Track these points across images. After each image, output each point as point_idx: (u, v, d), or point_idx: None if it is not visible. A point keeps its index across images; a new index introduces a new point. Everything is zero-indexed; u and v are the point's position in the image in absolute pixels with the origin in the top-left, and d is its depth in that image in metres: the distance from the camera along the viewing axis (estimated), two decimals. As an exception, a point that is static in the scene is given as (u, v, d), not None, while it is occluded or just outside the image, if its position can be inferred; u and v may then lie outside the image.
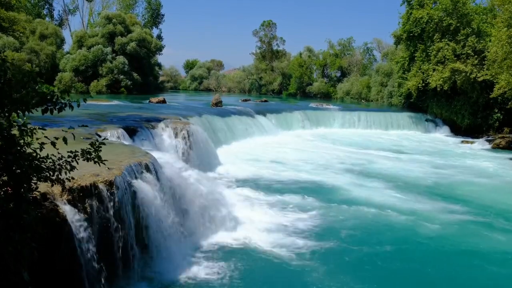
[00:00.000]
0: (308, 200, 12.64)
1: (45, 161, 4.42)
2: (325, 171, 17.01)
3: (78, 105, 4.39)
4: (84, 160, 4.83)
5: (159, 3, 67.46)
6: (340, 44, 67.68)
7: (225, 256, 8.59)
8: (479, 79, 27.76)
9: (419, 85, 31.62)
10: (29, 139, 4.23)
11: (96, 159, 4.84)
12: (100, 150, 4.88)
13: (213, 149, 17.23)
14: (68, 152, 4.73)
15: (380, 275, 8.26)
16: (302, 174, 16.20)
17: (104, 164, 4.97)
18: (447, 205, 12.79)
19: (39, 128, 4.39)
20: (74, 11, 65.54)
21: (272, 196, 12.86)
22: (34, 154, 4.29)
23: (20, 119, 4.16)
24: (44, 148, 4.40)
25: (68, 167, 4.66)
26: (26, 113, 4.20)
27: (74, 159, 4.73)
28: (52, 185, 4.70)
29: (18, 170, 4.11)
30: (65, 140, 4.41)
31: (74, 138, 4.73)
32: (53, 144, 4.38)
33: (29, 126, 4.20)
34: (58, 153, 4.63)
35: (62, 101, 4.28)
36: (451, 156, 22.34)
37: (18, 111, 4.14)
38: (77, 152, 4.77)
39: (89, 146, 4.85)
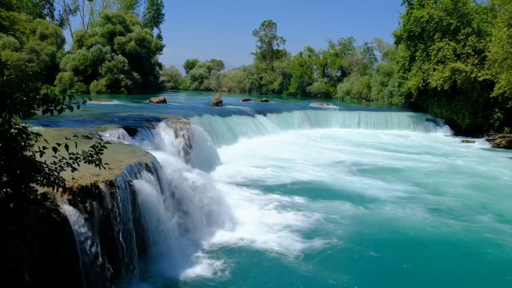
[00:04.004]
0: (309, 199, 12.62)
1: (45, 164, 4.43)
2: (326, 171, 16.99)
3: (78, 107, 4.40)
4: (85, 162, 4.85)
5: (161, 2, 67.46)
6: (340, 43, 67.65)
7: (225, 255, 8.60)
8: (480, 79, 27.75)
9: (420, 84, 31.62)
10: (30, 142, 4.23)
11: (97, 162, 4.86)
12: (102, 153, 4.89)
13: (213, 149, 17.24)
14: (69, 153, 4.74)
15: (376, 273, 8.30)
16: (303, 173, 16.20)
17: (105, 168, 4.99)
18: (445, 205, 12.80)
19: (38, 135, 4.39)
20: (75, 11, 65.59)
21: (273, 196, 12.86)
22: (35, 157, 4.30)
23: (20, 123, 4.16)
24: (45, 153, 4.41)
25: (70, 168, 4.68)
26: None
27: (75, 161, 4.74)
28: (53, 188, 4.70)
29: (18, 171, 4.11)
30: (67, 147, 4.44)
31: (76, 146, 4.75)
32: (55, 150, 4.40)
33: (31, 129, 4.21)
34: (59, 154, 4.63)
35: (63, 102, 4.28)
36: (451, 155, 22.31)
37: (19, 113, 4.14)
38: (79, 154, 4.78)
39: (91, 149, 4.86)
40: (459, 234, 10.44)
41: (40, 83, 4.28)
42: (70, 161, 4.72)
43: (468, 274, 8.50)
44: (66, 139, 4.56)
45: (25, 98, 3.99)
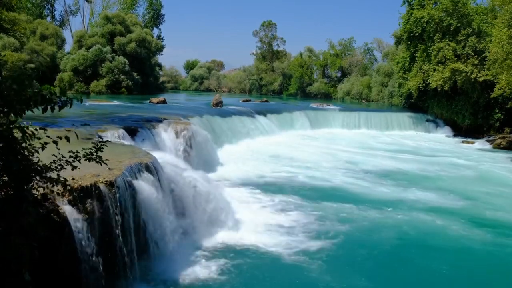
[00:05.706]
0: (309, 200, 12.59)
1: (48, 164, 4.42)
2: (326, 171, 16.96)
3: (81, 101, 4.35)
4: (85, 160, 4.84)
5: (160, 3, 67.57)
6: (340, 44, 67.73)
7: (226, 256, 8.58)
8: (480, 79, 27.75)
9: (420, 85, 31.63)
10: (30, 141, 4.21)
11: (97, 160, 4.85)
12: (102, 151, 4.89)
13: (213, 149, 17.23)
14: (69, 152, 4.73)
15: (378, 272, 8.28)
16: (303, 174, 16.18)
17: (106, 164, 4.98)
18: (485, 214, 12.20)
19: (40, 128, 4.38)
20: (76, 12, 65.66)
21: (273, 196, 12.84)
22: (36, 159, 4.30)
23: (20, 123, 4.14)
24: (46, 147, 4.40)
25: (70, 167, 4.66)
26: (26, 112, 4.17)
27: (75, 159, 4.73)
28: (53, 186, 4.70)
29: (18, 171, 4.10)
30: (67, 138, 4.41)
31: (77, 138, 4.73)
32: (55, 142, 4.38)
33: (30, 128, 4.19)
34: (59, 153, 4.62)
35: (62, 98, 4.24)
36: (452, 155, 22.30)
37: (18, 112, 4.12)
38: (78, 152, 4.78)
39: (91, 147, 4.85)
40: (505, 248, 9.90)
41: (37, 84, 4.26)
42: (70, 160, 4.71)
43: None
44: (66, 130, 4.55)
45: (23, 97, 3.97)
